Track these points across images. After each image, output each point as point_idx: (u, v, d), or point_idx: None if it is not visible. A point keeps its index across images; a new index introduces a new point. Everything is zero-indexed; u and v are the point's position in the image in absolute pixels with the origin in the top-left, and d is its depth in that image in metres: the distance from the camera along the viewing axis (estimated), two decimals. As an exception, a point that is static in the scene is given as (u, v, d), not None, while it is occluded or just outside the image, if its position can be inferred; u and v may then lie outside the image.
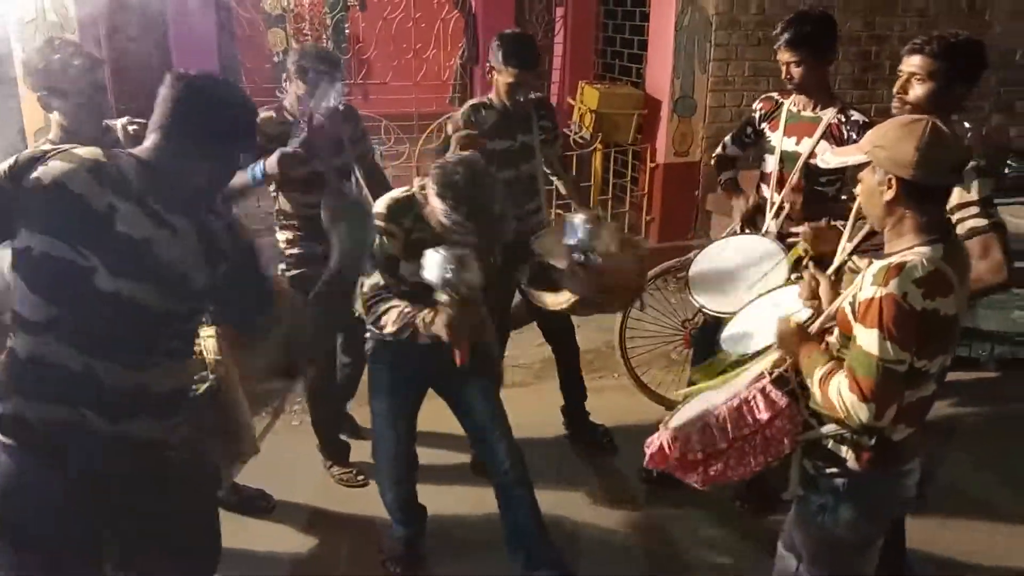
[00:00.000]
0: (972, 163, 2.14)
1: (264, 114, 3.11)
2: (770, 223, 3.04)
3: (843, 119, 2.93)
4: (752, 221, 3.16)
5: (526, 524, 2.76)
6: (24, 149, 2.17)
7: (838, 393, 1.74)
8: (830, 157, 1.92)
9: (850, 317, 1.79)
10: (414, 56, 7.11)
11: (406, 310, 2.43)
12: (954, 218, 2.18)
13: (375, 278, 2.47)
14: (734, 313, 2.67)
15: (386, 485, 2.88)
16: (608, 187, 5.92)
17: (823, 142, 2.92)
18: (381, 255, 2.48)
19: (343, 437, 3.60)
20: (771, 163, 3.07)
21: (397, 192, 2.61)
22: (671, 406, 2.70)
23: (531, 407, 3.80)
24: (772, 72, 5.37)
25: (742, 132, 3.26)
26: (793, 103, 3.05)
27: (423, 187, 2.45)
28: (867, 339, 1.70)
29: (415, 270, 2.47)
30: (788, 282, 2.64)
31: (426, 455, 3.40)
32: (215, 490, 2.25)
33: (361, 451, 3.47)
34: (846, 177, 3.05)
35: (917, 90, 2.35)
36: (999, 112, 6.29)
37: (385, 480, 2.88)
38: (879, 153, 1.74)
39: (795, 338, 1.91)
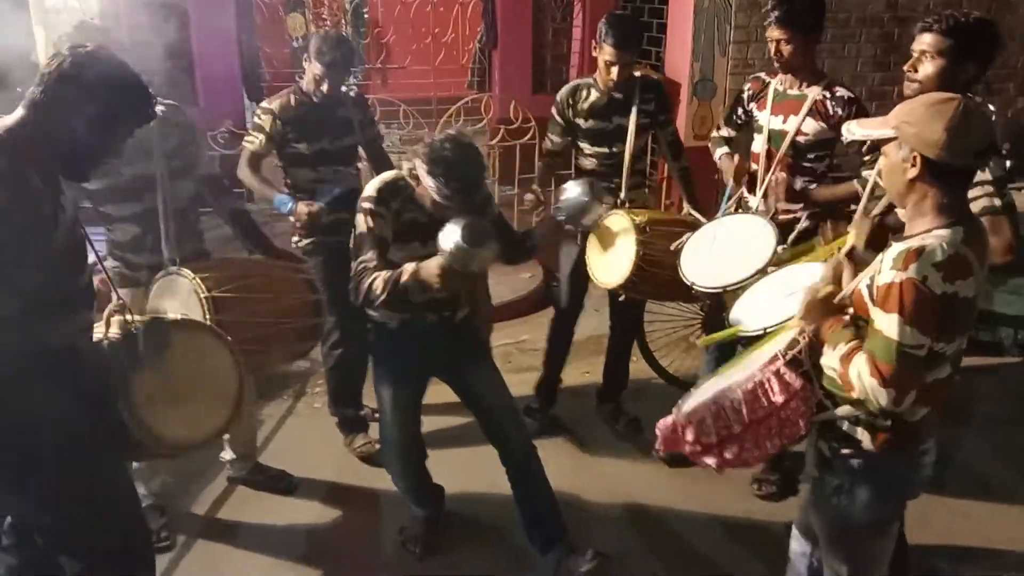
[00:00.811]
0: None
1: (279, 101, 3.18)
2: (759, 201, 3.06)
3: (828, 95, 2.96)
4: (748, 181, 3.16)
5: (540, 506, 2.79)
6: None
7: (858, 376, 1.73)
8: (855, 128, 1.89)
9: (867, 299, 1.78)
10: (432, 40, 7.10)
11: (389, 275, 2.40)
12: (970, 195, 2.16)
13: (362, 258, 2.46)
14: (723, 288, 2.73)
15: (396, 473, 2.93)
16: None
17: (808, 119, 2.96)
18: (370, 236, 2.48)
19: (362, 414, 3.64)
20: (759, 142, 3.10)
21: (387, 175, 2.63)
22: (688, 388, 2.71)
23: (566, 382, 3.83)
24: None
25: (733, 112, 3.30)
26: (779, 82, 3.08)
27: (412, 168, 2.47)
28: (887, 324, 1.69)
29: (404, 254, 2.51)
30: (789, 253, 2.68)
31: (443, 437, 3.45)
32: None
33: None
34: (833, 154, 3.10)
35: (927, 68, 2.35)
36: (1024, 94, 6.21)
37: (394, 468, 2.92)
38: (907, 130, 1.72)
39: (821, 309, 1.90)
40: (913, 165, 1.72)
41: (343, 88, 3.31)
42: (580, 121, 3.31)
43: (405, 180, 2.55)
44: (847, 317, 1.88)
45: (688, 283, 2.86)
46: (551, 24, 7.14)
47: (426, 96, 6.91)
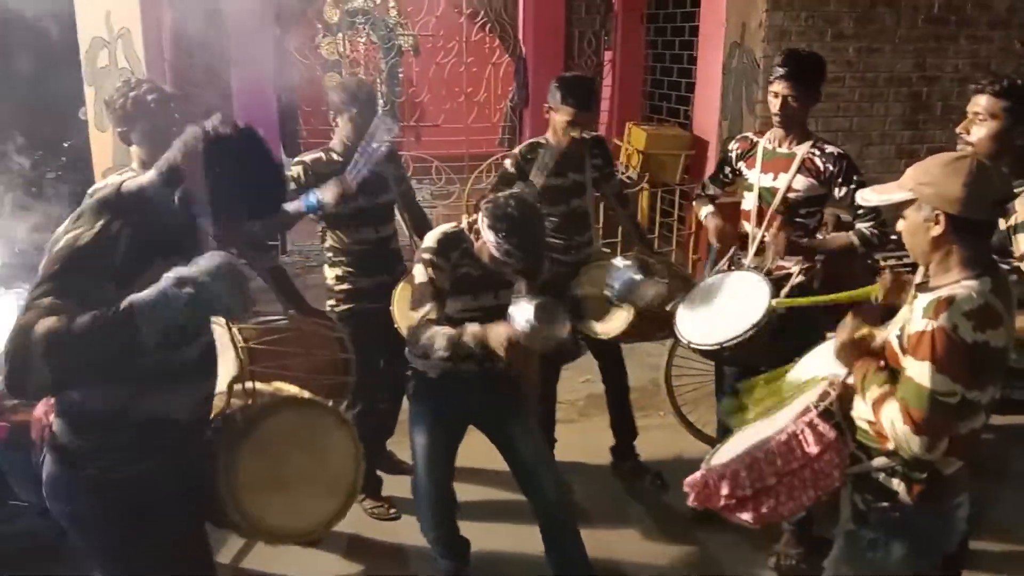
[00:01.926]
0: None
1: (313, 155, 3.22)
2: (752, 258, 3.07)
3: (817, 152, 2.98)
4: (731, 237, 3.18)
5: (574, 562, 2.76)
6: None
7: (891, 424, 1.74)
8: (871, 195, 1.92)
9: (897, 349, 1.79)
10: (465, 99, 7.28)
11: (452, 332, 2.42)
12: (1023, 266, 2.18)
13: (423, 310, 2.49)
14: (720, 344, 2.73)
15: (428, 523, 2.89)
16: (655, 226, 5.94)
17: (799, 176, 2.98)
18: (431, 288, 2.52)
19: (378, 472, 3.59)
20: (750, 200, 3.12)
21: (446, 226, 2.66)
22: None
23: (575, 444, 3.80)
24: (817, 113, 5.40)
25: (720, 171, 3.31)
26: (768, 140, 3.10)
27: (474, 221, 2.51)
28: (919, 371, 1.70)
29: (456, 306, 2.55)
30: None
31: (470, 491, 3.42)
32: None
33: (393, 485, 3.52)
34: (823, 211, 3.11)
35: (981, 130, 2.36)
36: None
37: (427, 519, 2.89)
38: (926, 190, 1.76)
39: (855, 348, 1.91)
40: (936, 223, 1.76)
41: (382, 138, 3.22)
42: (537, 179, 3.28)
43: (463, 232, 2.58)
44: (881, 362, 1.88)
45: (684, 342, 2.89)
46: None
47: (458, 153, 7.07)
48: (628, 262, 3.00)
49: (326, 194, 2.95)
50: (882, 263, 2.72)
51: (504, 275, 2.59)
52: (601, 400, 3.86)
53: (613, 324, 3.13)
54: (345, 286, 3.29)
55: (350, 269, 3.28)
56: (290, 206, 3.09)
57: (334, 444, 2.17)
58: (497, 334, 2.34)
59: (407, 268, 3.35)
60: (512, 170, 3.31)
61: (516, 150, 3.41)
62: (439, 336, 2.41)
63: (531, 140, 3.41)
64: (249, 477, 1.96)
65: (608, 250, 4.26)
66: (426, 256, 2.54)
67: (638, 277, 2.95)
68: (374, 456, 3.59)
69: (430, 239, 2.59)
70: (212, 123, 1.72)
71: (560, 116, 3.22)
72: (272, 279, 3.18)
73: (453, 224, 2.67)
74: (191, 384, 1.89)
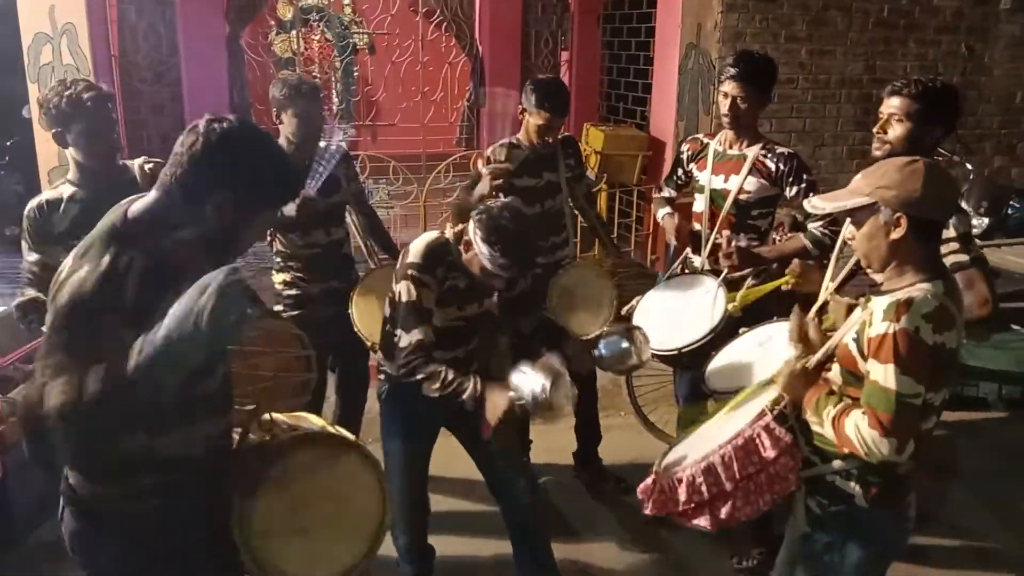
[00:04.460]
0: None
1: None
2: (705, 260, 3.10)
3: (768, 153, 3.01)
4: (690, 237, 3.19)
5: (543, 567, 2.75)
6: (39, 188, 2.21)
7: (856, 429, 1.75)
8: (821, 203, 1.92)
9: (855, 353, 1.81)
10: (422, 99, 7.22)
11: (450, 377, 2.36)
12: None
13: (414, 335, 2.41)
14: (678, 350, 2.74)
15: (399, 529, 2.84)
16: (614, 226, 5.96)
17: (750, 177, 3.01)
18: (418, 308, 2.43)
19: None
20: (701, 201, 3.14)
21: (430, 237, 2.55)
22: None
23: (539, 444, 3.78)
24: (771, 114, 5.48)
25: (673, 173, 3.34)
26: (719, 142, 3.13)
27: (461, 232, 2.44)
28: (883, 374, 1.72)
29: (444, 317, 2.50)
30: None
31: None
32: None
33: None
34: (775, 211, 3.15)
35: (897, 129, 2.42)
36: (1000, 154, 6.36)
37: (398, 524, 2.84)
38: (887, 194, 1.78)
39: (802, 380, 1.92)
40: (897, 226, 1.77)
41: (323, 143, 3.16)
42: (514, 179, 3.27)
43: (448, 243, 2.51)
44: (824, 381, 1.92)
45: None
46: (538, 83, 7.28)
47: (415, 152, 7.01)
48: (620, 335, 2.82)
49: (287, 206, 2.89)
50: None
51: (489, 284, 2.54)
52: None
53: (592, 326, 3.11)
54: (294, 291, 3.22)
55: (299, 274, 3.20)
56: None
57: (358, 484, 1.96)
58: (495, 405, 2.27)
59: (358, 274, 3.31)
60: (485, 171, 3.28)
61: (489, 151, 3.37)
62: (434, 379, 2.36)
63: (503, 141, 3.39)
64: (264, 524, 1.79)
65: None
66: (412, 273, 2.45)
67: (626, 345, 2.81)
68: None
69: (415, 253, 2.49)
70: (209, 122, 1.59)
71: (534, 119, 3.22)
72: None
73: (436, 235, 2.58)
74: (213, 416, 1.77)
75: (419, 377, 2.39)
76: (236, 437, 1.88)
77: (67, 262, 1.55)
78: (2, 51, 4.70)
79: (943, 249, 2.17)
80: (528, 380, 2.27)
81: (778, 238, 3.49)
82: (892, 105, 2.43)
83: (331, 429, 2.06)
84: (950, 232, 2.24)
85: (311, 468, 1.88)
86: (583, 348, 2.79)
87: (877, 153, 2.41)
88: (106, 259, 1.50)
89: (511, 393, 2.28)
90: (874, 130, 2.49)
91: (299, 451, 1.89)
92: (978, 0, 5.99)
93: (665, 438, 3.90)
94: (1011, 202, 5.36)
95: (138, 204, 1.62)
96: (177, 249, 1.58)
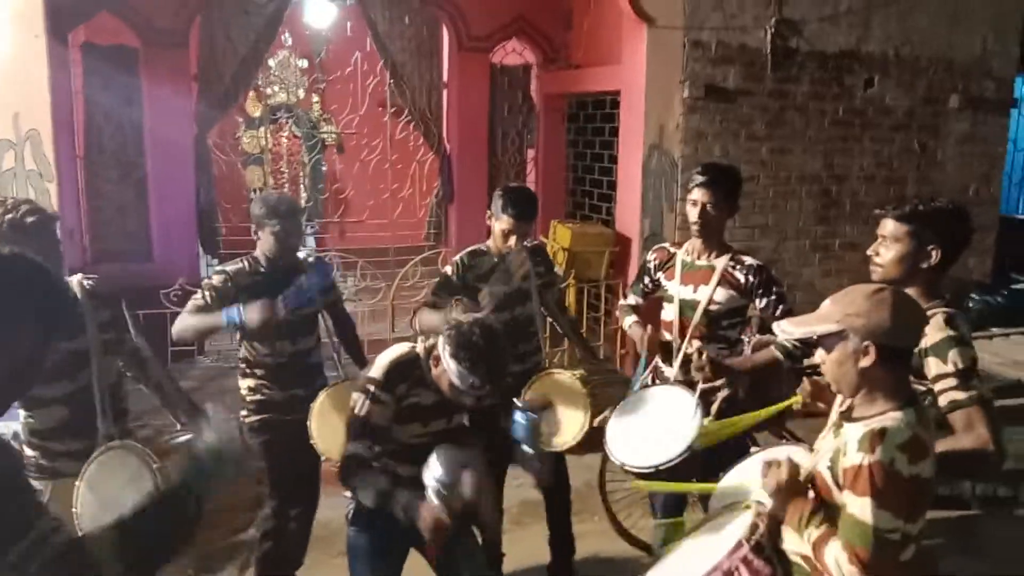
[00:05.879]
0: (949, 333, 2.13)
1: (235, 266, 3.12)
2: (676, 371, 3.07)
3: (736, 264, 3.04)
4: (660, 347, 3.17)
5: None
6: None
7: (836, 564, 1.72)
8: (790, 328, 1.91)
9: (830, 483, 1.78)
10: (390, 195, 7.27)
11: (385, 489, 2.33)
12: (936, 389, 2.13)
13: (352, 447, 2.37)
14: (655, 467, 2.64)
15: None
16: (583, 320, 5.95)
17: (719, 288, 3.02)
18: (367, 425, 2.39)
19: None
20: (671, 311, 3.15)
21: (399, 351, 2.51)
22: (651, 552, 2.61)
23: (510, 554, 3.65)
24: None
25: (640, 281, 3.36)
26: (686, 252, 3.16)
27: (431, 348, 2.40)
28: (860, 508, 1.69)
29: (408, 433, 2.44)
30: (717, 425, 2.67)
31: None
32: None
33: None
34: (743, 321, 3.17)
35: (887, 253, 2.33)
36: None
37: None
38: (856, 322, 1.78)
39: (790, 489, 1.87)
40: (866, 354, 1.76)
41: (300, 254, 3.22)
42: (481, 285, 3.25)
43: (417, 359, 2.46)
44: (811, 496, 1.87)
45: (618, 464, 2.81)
46: (505, 181, 7.38)
47: (383, 247, 7.02)
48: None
49: (251, 315, 2.89)
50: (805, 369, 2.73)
51: (458, 401, 2.47)
52: (536, 507, 3.75)
53: (567, 435, 3.02)
54: (257, 397, 3.18)
55: (263, 381, 3.17)
56: (210, 319, 2.98)
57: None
58: (424, 519, 2.26)
59: (327, 381, 3.24)
60: (454, 278, 3.28)
61: (457, 257, 3.37)
62: (368, 489, 2.32)
63: (472, 248, 3.40)
64: None
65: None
66: (370, 388, 2.40)
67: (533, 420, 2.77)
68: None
69: (378, 368, 2.45)
70: None
71: (499, 224, 3.23)
72: (161, 392, 2.98)
73: (407, 349, 2.53)
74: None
75: (354, 483, 2.37)
76: None
77: None
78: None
79: (939, 386, 2.11)
80: (430, 471, 2.27)
81: (745, 339, 3.47)
82: (885, 228, 2.34)
83: None
84: (947, 368, 2.10)
85: None
86: (542, 459, 2.73)
87: (874, 278, 2.31)
88: None
89: (435, 504, 2.26)
90: (868, 252, 2.41)
91: None
92: (927, 100, 6.24)
93: (639, 545, 3.79)
94: (971, 295, 5.46)
95: None
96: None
